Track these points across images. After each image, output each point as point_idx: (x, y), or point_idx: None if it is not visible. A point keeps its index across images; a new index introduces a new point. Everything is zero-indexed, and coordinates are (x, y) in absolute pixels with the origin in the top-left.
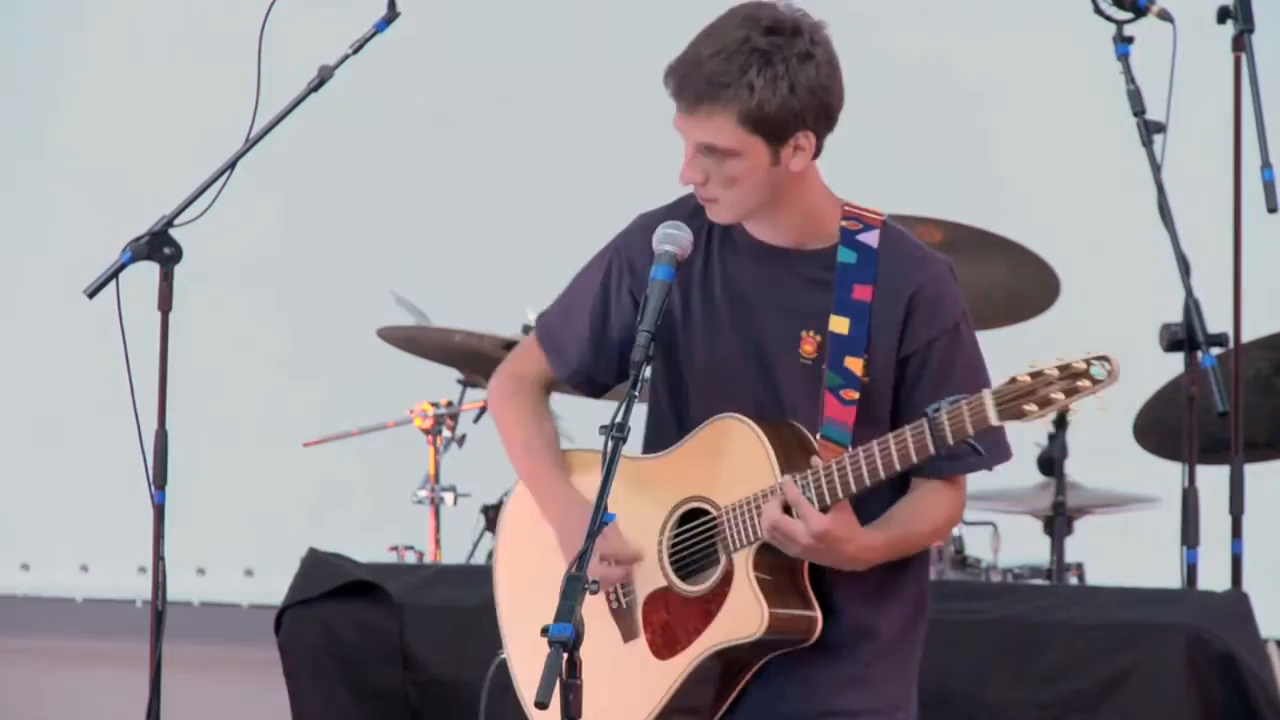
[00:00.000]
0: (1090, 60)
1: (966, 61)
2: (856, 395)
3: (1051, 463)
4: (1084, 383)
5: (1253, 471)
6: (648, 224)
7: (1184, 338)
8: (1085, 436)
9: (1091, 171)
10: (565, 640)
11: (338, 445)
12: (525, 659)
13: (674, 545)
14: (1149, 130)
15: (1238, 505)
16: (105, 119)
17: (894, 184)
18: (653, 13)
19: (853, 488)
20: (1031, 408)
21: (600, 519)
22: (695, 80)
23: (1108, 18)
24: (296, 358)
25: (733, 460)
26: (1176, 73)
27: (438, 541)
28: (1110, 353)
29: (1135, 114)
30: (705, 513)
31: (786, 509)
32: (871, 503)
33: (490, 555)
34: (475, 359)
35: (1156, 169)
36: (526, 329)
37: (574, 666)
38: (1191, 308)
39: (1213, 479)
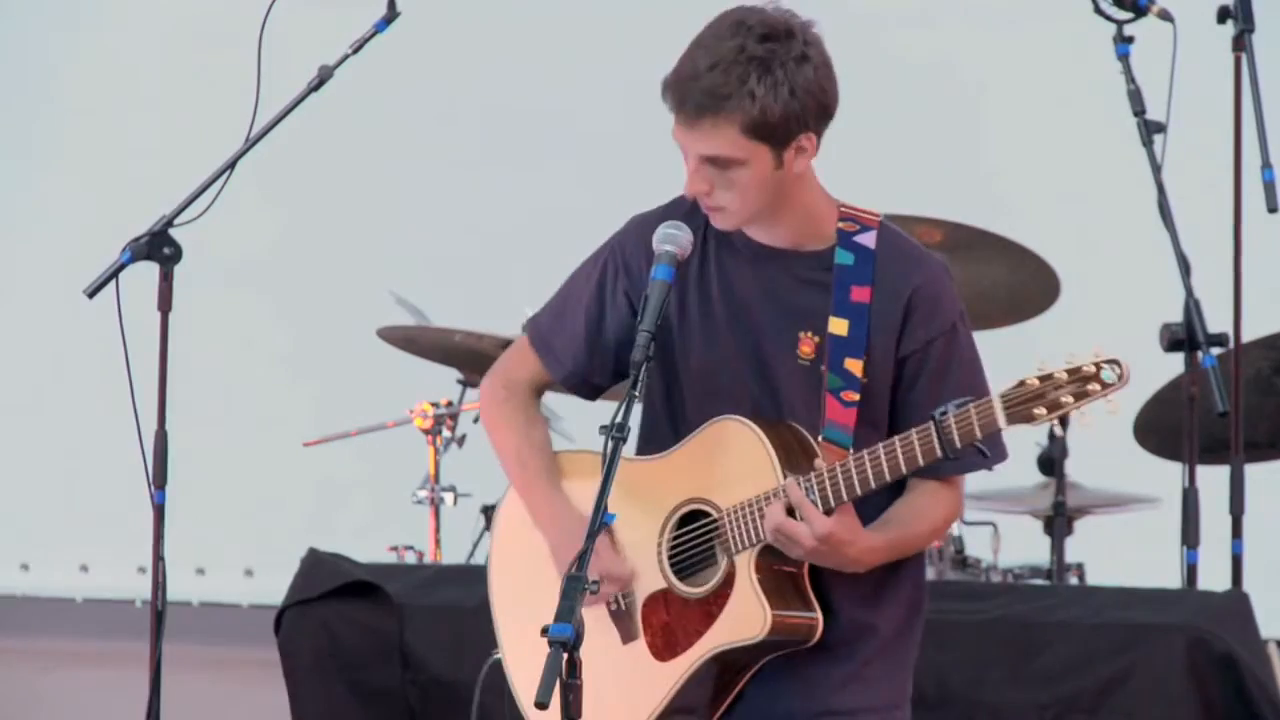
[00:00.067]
0: (1090, 60)
1: (967, 61)
2: (857, 397)
3: (1052, 463)
4: (1094, 386)
5: (1253, 471)
6: (643, 225)
7: (1184, 338)
8: (1085, 437)
9: (1092, 171)
10: (565, 640)
11: (338, 445)
12: (520, 662)
13: (673, 547)
14: (1149, 130)
15: (1238, 505)
16: (105, 119)
17: (895, 184)
18: (652, 14)
19: (858, 490)
20: (1041, 411)
21: (600, 519)
22: (695, 94)
23: (1108, 17)
24: (296, 358)
25: (733, 462)
26: (1177, 73)
27: (438, 542)
28: (1120, 356)
29: (1135, 114)
30: (705, 514)
31: (790, 511)
32: (866, 503)
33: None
34: (475, 359)
35: (1157, 169)
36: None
37: (574, 666)
38: (1192, 308)
39: (1213, 479)
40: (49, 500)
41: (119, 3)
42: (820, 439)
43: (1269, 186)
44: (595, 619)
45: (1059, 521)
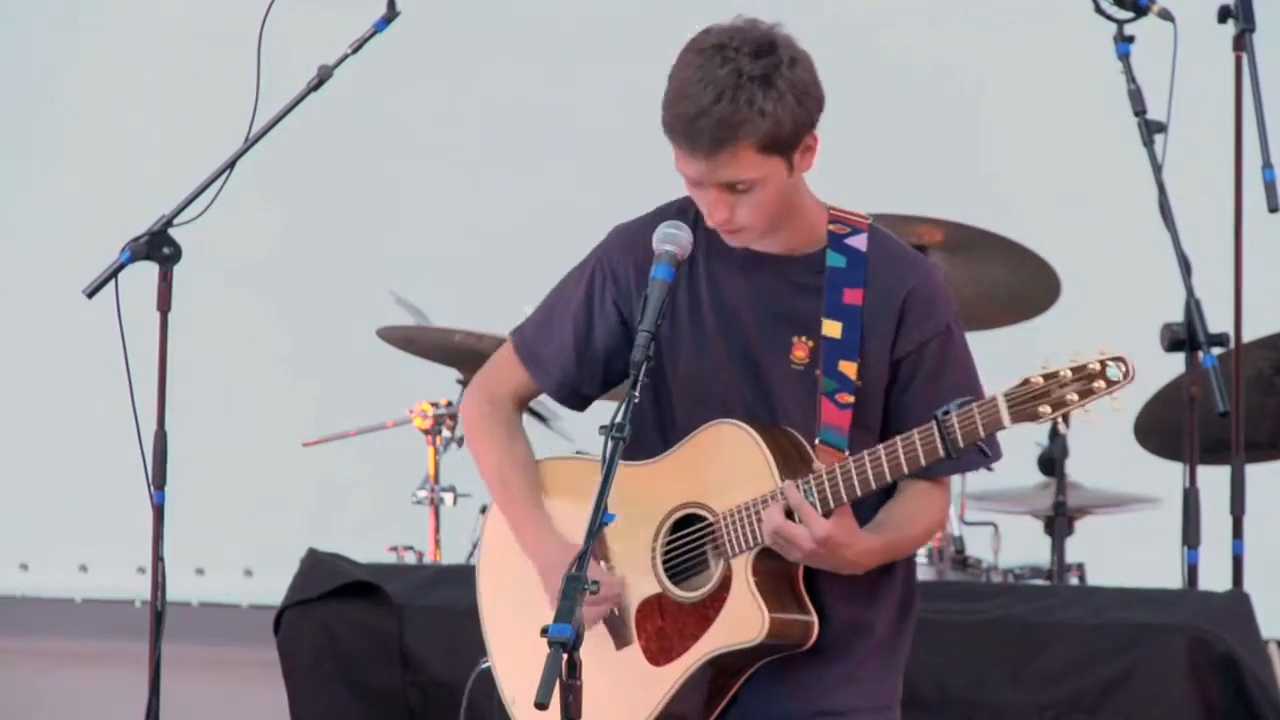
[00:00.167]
0: (1091, 60)
1: (967, 61)
2: (851, 399)
3: (1052, 463)
4: (1099, 384)
5: (1253, 472)
6: (626, 234)
7: (1185, 338)
8: (1086, 437)
9: (1092, 171)
10: (565, 641)
11: (337, 445)
12: (510, 669)
13: (667, 552)
14: (1150, 130)
15: (1238, 506)
16: (105, 119)
17: (895, 184)
18: (652, 14)
19: (857, 491)
20: (1045, 409)
21: (600, 519)
22: (708, 128)
23: (1108, 17)
24: (296, 358)
25: (729, 466)
26: (1177, 72)
27: (437, 542)
28: (1125, 353)
29: (1136, 113)
30: (700, 519)
31: (788, 514)
32: (859, 506)
33: None
34: (475, 359)
35: (1157, 169)
36: None
37: (574, 667)
38: (1192, 308)
39: (1213, 479)
40: (49, 500)
41: (119, 3)
42: (816, 442)
43: (1269, 186)
44: (588, 625)
45: (1059, 522)
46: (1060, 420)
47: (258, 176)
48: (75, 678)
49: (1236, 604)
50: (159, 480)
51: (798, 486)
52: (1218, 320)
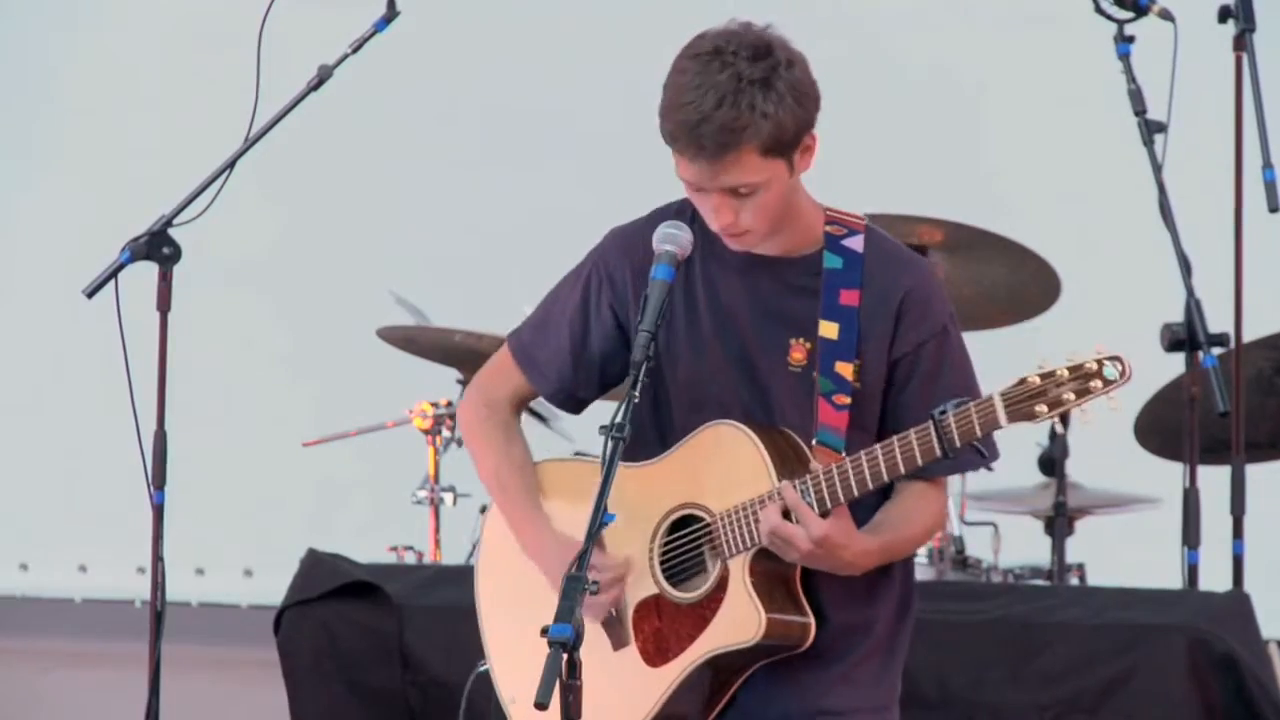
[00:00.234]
0: (1091, 60)
1: (967, 62)
2: (848, 400)
3: (1053, 463)
4: (1096, 383)
5: (1254, 472)
6: (622, 237)
7: (1185, 338)
8: (1086, 437)
9: (1092, 171)
10: (565, 641)
11: (337, 445)
12: (508, 671)
13: (665, 552)
14: (1150, 130)
15: (1239, 506)
16: (105, 119)
17: (896, 184)
18: (652, 14)
19: (854, 491)
20: (1042, 409)
21: (600, 519)
22: (712, 134)
23: (1109, 17)
24: (296, 358)
25: (727, 466)
26: (1177, 72)
27: (437, 542)
28: (1122, 353)
29: (1136, 113)
30: (698, 519)
31: (785, 514)
32: (857, 507)
33: None
34: (475, 359)
35: (1157, 168)
36: None
37: (574, 667)
38: (1192, 307)
39: (1214, 479)
40: (48, 500)
41: (119, 3)
42: (814, 443)
43: (1270, 186)
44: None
45: (1060, 522)
46: (1059, 421)
47: (258, 176)
48: (75, 678)
49: (1237, 604)
50: (159, 480)
51: (795, 487)
52: (1218, 320)
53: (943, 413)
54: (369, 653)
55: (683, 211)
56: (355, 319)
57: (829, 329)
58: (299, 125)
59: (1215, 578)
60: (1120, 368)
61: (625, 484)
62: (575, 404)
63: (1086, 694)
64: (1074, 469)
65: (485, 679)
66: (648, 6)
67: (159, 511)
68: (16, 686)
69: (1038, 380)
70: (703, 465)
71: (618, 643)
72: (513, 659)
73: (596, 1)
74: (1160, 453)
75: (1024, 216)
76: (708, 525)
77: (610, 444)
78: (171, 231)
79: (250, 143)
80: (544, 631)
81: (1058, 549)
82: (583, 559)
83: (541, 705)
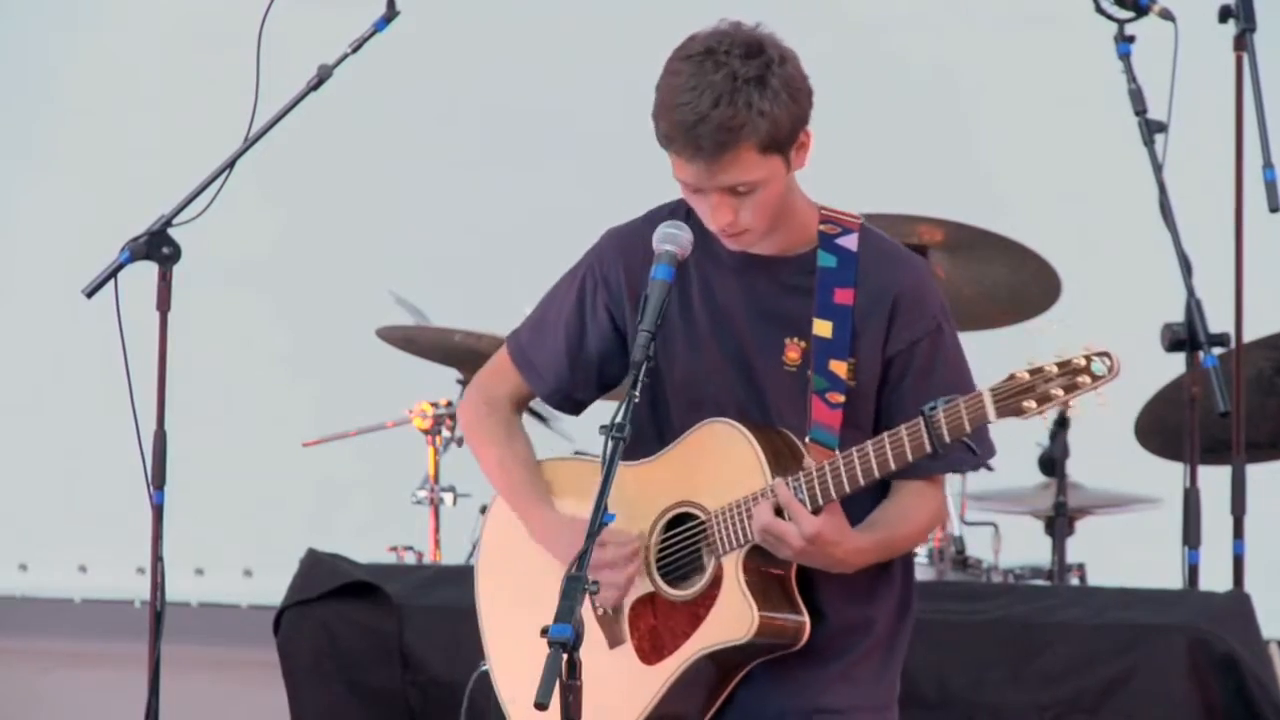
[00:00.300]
0: (1091, 60)
1: (967, 62)
2: (842, 398)
3: (1053, 463)
4: (1084, 379)
5: (1254, 472)
6: (619, 238)
7: (1185, 338)
8: (1087, 437)
9: (1092, 171)
10: (565, 641)
11: (337, 445)
12: (508, 670)
13: (660, 550)
14: (1150, 129)
15: (1239, 506)
16: (105, 119)
17: (896, 184)
18: (652, 14)
19: (846, 488)
20: (1030, 404)
21: (600, 519)
22: (710, 134)
23: (1109, 16)
24: (296, 358)
25: (722, 464)
26: (1178, 72)
27: (437, 542)
28: (1110, 348)
29: (1136, 113)
30: (693, 517)
31: (778, 512)
32: (853, 506)
33: None
34: (475, 359)
35: (1158, 168)
36: None
37: (574, 667)
38: (1193, 307)
39: (1214, 479)
40: (48, 500)
41: (119, 3)
42: (807, 440)
43: (1270, 186)
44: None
45: (1060, 522)
46: (1058, 423)
47: (258, 176)
48: (75, 678)
49: (1237, 604)
50: (158, 480)
51: (788, 484)
52: (1218, 320)
53: (932, 409)
54: (369, 653)
55: (676, 211)
56: (355, 319)
57: (823, 327)
58: (299, 125)
59: (1215, 578)
60: (1109, 363)
61: (623, 482)
62: (573, 405)
63: (1087, 694)
64: (1074, 469)
65: (486, 679)
66: (647, 6)
67: (159, 511)
68: (16, 686)
69: (1026, 376)
70: (698, 463)
71: (614, 641)
72: (513, 659)
73: (596, 1)
74: (1161, 453)
75: (1024, 216)
76: (703, 523)
77: (610, 444)
78: (171, 231)
79: (250, 143)
80: (544, 632)
81: (1058, 549)
82: (583, 559)
83: (541, 705)
